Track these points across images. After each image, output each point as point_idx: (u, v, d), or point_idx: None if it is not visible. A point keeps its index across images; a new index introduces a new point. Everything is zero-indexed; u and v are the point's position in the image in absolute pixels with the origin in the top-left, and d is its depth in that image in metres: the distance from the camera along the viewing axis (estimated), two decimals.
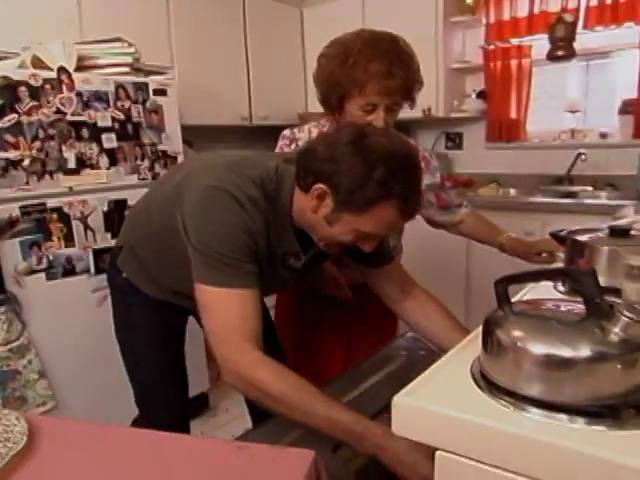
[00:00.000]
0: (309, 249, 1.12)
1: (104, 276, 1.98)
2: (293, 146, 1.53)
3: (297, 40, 3.56)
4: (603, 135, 2.98)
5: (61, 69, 1.86)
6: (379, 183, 0.93)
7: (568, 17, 2.68)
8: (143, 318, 1.30)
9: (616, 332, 0.60)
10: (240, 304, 0.97)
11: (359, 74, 1.29)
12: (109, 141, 2.00)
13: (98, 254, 1.98)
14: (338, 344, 1.70)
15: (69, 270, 1.92)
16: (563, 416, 0.59)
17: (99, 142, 1.98)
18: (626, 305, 0.62)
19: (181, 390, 1.41)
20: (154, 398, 1.36)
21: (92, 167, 1.96)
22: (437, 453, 0.63)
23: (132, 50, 2.15)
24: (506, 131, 3.24)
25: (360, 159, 0.94)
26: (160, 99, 2.17)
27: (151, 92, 2.13)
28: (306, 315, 1.68)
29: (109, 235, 2.02)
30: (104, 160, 1.99)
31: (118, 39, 2.12)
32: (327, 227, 1.02)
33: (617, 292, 0.79)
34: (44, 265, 1.85)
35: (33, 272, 1.82)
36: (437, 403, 0.63)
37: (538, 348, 0.61)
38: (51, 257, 1.86)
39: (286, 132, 1.56)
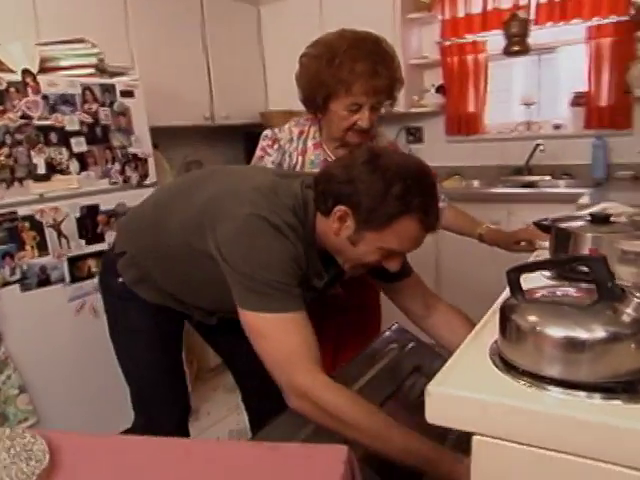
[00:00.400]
0: (330, 269, 1.14)
1: (80, 284, 1.97)
2: (276, 146, 1.53)
3: (255, 38, 3.54)
4: (557, 126, 3.11)
5: (26, 71, 1.79)
6: (398, 198, 0.96)
7: (522, 14, 2.79)
8: (142, 323, 1.28)
9: (629, 313, 0.65)
10: (296, 327, 0.98)
11: (345, 74, 1.31)
12: (78, 145, 1.94)
13: (72, 262, 1.93)
14: (325, 345, 1.71)
15: (44, 280, 1.85)
16: (581, 393, 0.63)
17: (68, 146, 1.92)
18: (636, 287, 0.67)
19: (180, 394, 1.41)
20: (153, 402, 1.35)
21: (62, 172, 1.89)
22: (473, 438, 0.66)
23: (96, 51, 2.08)
24: (465, 124, 3.33)
25: (377, 177, 0.97)
26: (127, 101, 2.12)
27: (118, 94, 2.08)
28: None
29: (83, 242, 1.96)
30: (74, 165, 1.93)
31: (81, 40, 2.05)
32: (351, 248, 1.04)
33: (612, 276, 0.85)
34: (18, 276, 1.78)
35: (7, 284, 1.76)
36: (468, 389, 0.67)
37: (556, 332, 0.65)
38: (25, 267, 1.80)
39: (267, 132, 1.56)
